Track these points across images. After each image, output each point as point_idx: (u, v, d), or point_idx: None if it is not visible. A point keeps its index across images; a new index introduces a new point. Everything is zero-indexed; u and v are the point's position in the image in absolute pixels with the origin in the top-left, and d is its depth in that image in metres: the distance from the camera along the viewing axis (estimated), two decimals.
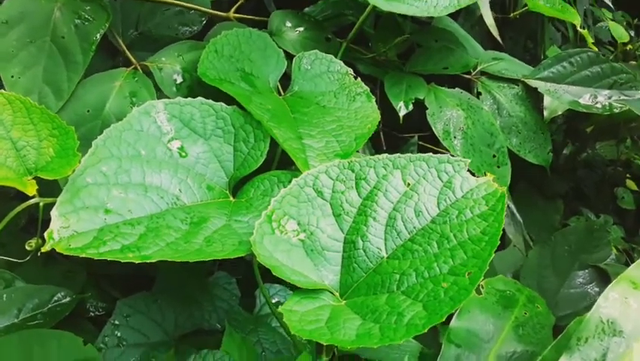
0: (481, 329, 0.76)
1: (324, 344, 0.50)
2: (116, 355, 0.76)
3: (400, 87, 1.05)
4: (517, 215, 1.33)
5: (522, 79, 1.14)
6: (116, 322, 0.79)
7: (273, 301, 0.94)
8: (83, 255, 0.56)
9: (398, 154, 0.65)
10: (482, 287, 0.83)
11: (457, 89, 1.09)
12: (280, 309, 0.55)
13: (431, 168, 0.64)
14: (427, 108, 1.04)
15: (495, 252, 0.53)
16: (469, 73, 1.15)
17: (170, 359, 0.76)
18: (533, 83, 1.13)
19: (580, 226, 1.34)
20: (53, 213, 0.58)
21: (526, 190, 1.54)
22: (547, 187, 1.58)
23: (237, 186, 0.72)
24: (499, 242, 0.55)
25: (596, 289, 1.16)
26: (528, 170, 1.26)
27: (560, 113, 1.18)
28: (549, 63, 1.13)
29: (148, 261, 0.57)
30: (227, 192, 0.71)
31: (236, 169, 0.72)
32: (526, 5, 1.30)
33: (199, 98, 0.71)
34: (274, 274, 0.58)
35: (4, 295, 0.74)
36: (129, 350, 0.78)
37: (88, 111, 0.75)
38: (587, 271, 1.21)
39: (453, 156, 0.64)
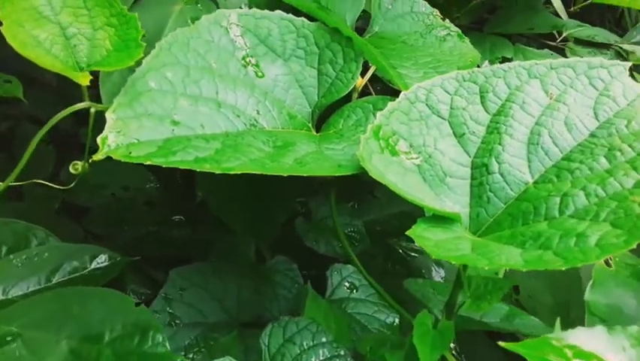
0: (623, 303, 0.61)
1: (486, 267, 0.36)
2: (168, 335, 0.62)
3: (482, 46, 0.93)
4: None
5: (615, 44, 1.01)
6: (169, 296, 0.65)
7: (345, 284, 0.80)
8: (148, 162, 0.43)
9: (534, 61, 0.52)
10: (611, 259, 0.69)
11: (545, 50, 0.96)
12: (409, 233, 0.41)
13: (579, 75, 0.50)
14: None
15: None
16: (553, 39, 1.02)
17: (234, 341, 0.61)
18: (628, 47, 1.00)
19: None
20: (109, 115, 0.45)
21: None
22: None
23: (322, 117, 0.59)
24: None
25: None
26: None
27: None
28: None
29: (231, 172, 0.44)
30: (310, 124, 0.58)
31: (321, 96, 0.59)
32: None
33: (278, 11, 0.59)
34: (392, 190, 0.44)
35: (36, 255, 0.61)
36: (183, 330, 0.63)
37: (143, 36, 0.64)
38: None
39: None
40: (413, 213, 1.08)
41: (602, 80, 0.50)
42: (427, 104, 0.51)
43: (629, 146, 0.44)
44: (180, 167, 0.43)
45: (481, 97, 0.51)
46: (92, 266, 0.62)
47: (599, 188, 0.42)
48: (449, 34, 0.75)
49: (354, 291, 0.74)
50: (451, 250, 0.39)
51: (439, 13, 0.79)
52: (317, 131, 0.58)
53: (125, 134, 0.44)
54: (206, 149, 0.46)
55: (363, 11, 0.77)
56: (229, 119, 0.51)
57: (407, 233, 0.41)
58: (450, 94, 0.52)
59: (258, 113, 0.54)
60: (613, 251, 0.36)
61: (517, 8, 1.00)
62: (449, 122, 0.51)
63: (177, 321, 0.63)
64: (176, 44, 0.52)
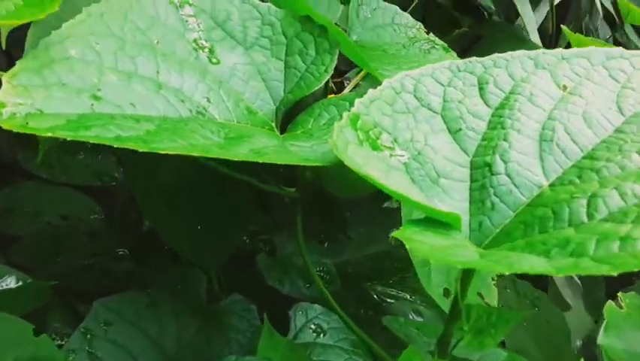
0: None
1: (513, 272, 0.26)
2: None
3: None
4: (575, 277, 1.13)
5: None
6: (90, 331, 0.52)
7: (311, 326, 0.68)
8: (49, 135, 0.32)
9: (541, 50, 0.44)
10: (621, 301, 0.59)
11: None
12: (394, 234, 0.31)
13: (596, 66, 0.42)
14: None
15: None
16: None
17: None
18: None
19: None
20: (7, 80, 0.35)
21: None
22: None
23: (288, 116, 0.50)
24: None
25: None
26: None
27: None
28: None
29: (161, 152, 0.33)
30: (273, 123, 0.48)
31: (288, 92, 0.49)
32: (567, 46, 1.16)
33: None
34: (374, 183, 0.34)
35: None
36: None
37: None
38: None
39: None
40: (390, 253, 0.97)
41: (623, 72, 0.41)
42: (414, 96, 0.42)
43: None
44: (93, 142, 0.32)
45: (480, 89, 0.43)
46: None
47: (636, 186, 0.33)
48: (434, 47, 0.68)
49: (322, 335, 0.62)
50: (454, 255, 0.29)
51: (422, 27, 0.72)
52: (281, 133, 0.48)
53: (25, 104, 0.34)
54: (134, 129, 0.36)
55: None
56: (170, 103, 0.41)
57: (393, 235, 0.30)
58: (442, 85, 0.43)
59: (208, 101, 0.44)
60: None
61: (502, 37, 0.94)
62: (442, 115, 0.42)
63: None
64: (110, 14, 0.43)
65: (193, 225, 0.54)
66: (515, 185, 0.37)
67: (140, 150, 0.32)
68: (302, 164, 0.38)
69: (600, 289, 1.37)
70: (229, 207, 0.56)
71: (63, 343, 0.67)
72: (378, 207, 1.02)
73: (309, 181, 0.55)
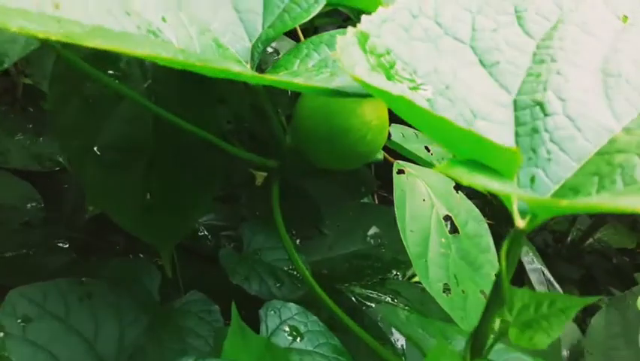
0: None
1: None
2: None
3: None
4: (557, 286, 1.08)
5: None
6: (3, 328, 0.40)
7: (285, 328, 0.57)
8: None
9: None
10: None
11: None
12: (436, 169, 0.21)
13: None
14: None
15: None
16: None
17: None
18: None
19: None
20: None
21: None
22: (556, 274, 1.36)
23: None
24: None
25: None
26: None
27: None
28: None
29: (88, 45, 0.22)
30: (249, 65, 0.38)
31: (268, 26, 0.39)
32: None
33: None
34: (395, 103, 0.24)
35: None
36: None
37: None
38: None
39: None
40: (369, 253, 0.87)
41: None
42: (436, 22, 0.33)
43: None
44: None
45: (518, 17, 0.33)
46: None
47: None
48: None
49: (298, 339, 0.51)
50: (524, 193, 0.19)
51: None
52: (261, 72, 0.38)
53: None
54: (51, 27, 0.24)
55: None
56: (109, 12, 0.30)
57: (434, 169, 0.20)
58: (470, 12, 0.33)
59: (163, 20, 0.33)
60: None
61: None
62: (472, 47, 0.32)
63: None
64: None
65: (141, 192, 0.43)
66: (578, 128, 0.28)
67: (53, 39, 0.21)
68: (286, 88, 0.27)
69: None
70: (190, 173, 0.45)
71: None
72: (355, 202, 0.92)
73: (290, 149, 0.45)
